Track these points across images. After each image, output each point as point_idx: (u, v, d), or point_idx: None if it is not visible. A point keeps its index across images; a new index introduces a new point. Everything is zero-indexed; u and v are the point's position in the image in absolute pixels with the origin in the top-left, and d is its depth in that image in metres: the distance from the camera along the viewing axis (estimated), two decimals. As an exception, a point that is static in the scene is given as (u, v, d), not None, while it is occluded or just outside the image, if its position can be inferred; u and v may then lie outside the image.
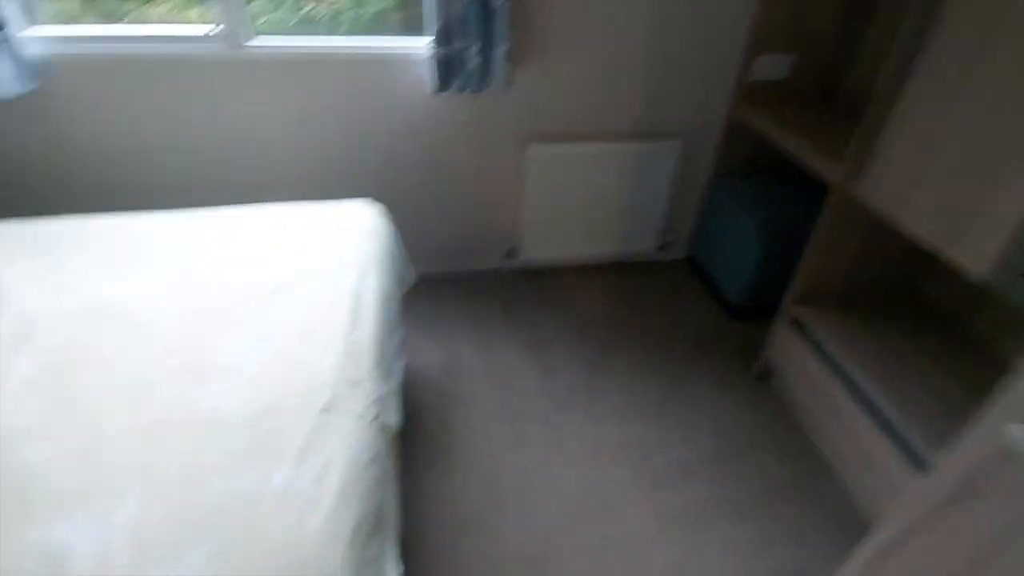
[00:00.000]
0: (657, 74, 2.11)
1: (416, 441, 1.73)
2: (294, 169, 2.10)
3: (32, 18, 1.75)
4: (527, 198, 2.28)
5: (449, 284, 2.41)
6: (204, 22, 1.84)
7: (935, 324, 1.77)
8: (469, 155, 2.19)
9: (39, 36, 1.74)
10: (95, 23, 1.89)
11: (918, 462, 1.39)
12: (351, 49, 1.91)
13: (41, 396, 1.01)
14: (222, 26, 1.80)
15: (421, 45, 1.90)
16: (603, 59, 2.04)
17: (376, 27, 2.02)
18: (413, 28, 1.93)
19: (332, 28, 2.00)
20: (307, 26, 1.96)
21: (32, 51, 1.73)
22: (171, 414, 1.00)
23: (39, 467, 0.90)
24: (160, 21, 1.93)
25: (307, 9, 1.95)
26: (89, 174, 1.98)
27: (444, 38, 1.81)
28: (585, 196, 2.30)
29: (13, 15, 1.66)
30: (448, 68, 1.88)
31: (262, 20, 1.89)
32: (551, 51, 2.00)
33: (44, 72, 1.77)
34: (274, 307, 1.25)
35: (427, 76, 1.91)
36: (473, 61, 1.85)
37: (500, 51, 1.85)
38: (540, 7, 1.89)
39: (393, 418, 1.14)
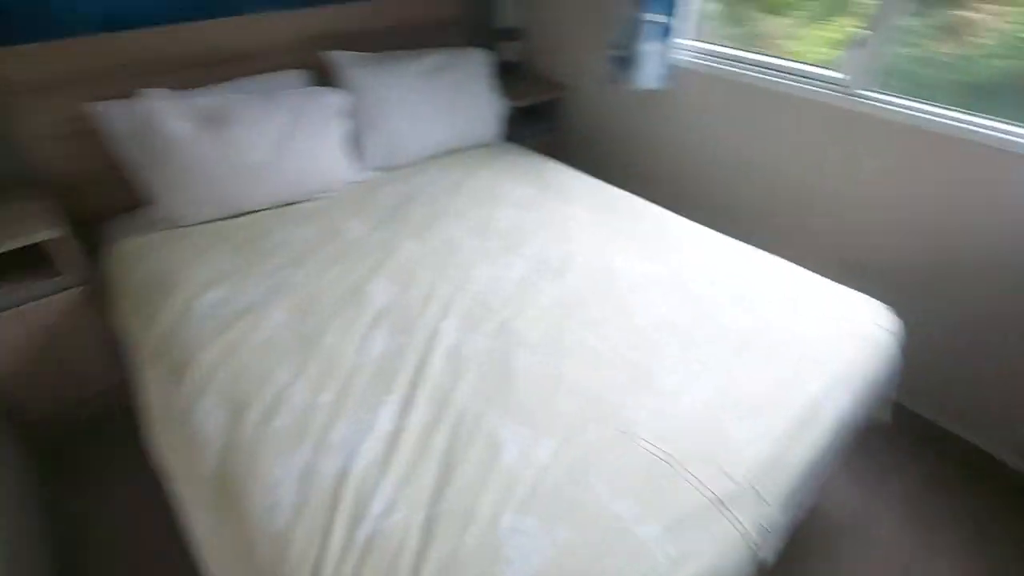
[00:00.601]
0: None
1: None
2: (836, 237, 1.91)
3: (683, 31, 2.09)
4: None
5: (937, 448, 1.83)
6: (832, 45, 1.79)
7: None
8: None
9: (684, 46, 2.09)
10: (728, 29, 2.09)
11: None
12: (964, 126, 1.53)
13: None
14: (846, 75, 1.72)
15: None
16: None
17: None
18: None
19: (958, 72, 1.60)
20: (932, 69, 1.64)
21: (676, 57, 2.09)
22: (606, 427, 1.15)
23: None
24: (778, 35, 1.98)
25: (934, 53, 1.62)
26: (682, 173, 2.30)
27: None
28: None
29: (677, 26, 2.02)
30: None
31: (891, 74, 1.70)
32: None
33: (677, 76, 2.12)
34: (737, 357, 1.24)
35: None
36: None
37: None
38: None
39: (769, 555, 1.00)
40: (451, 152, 2.15)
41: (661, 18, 1.97)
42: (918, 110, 1.61)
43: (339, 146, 1.86)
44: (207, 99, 1.67)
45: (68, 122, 1.63)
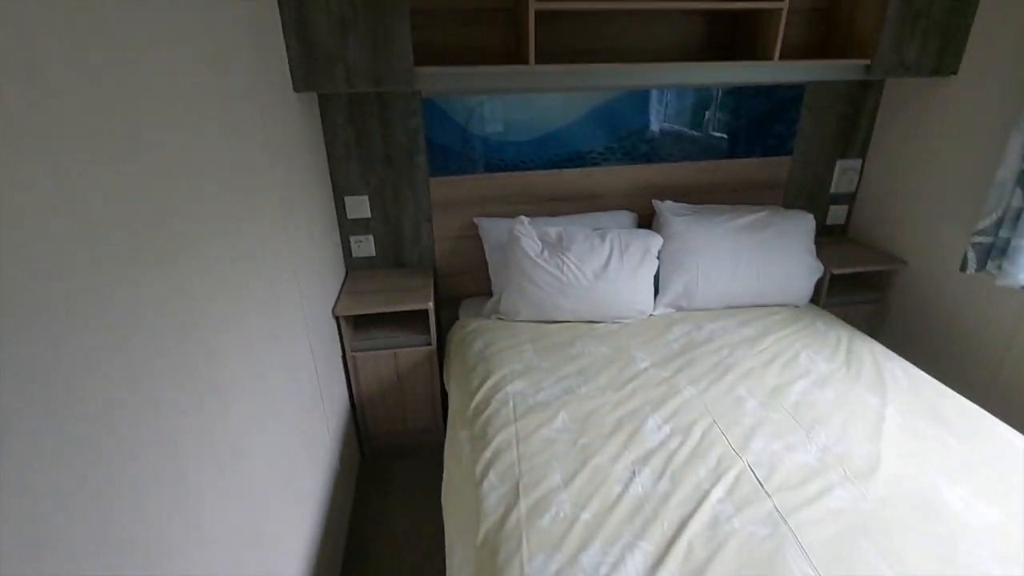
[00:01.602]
0: None
1: None
2: None
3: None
4: None
5: None
6: None
7: None
8: None
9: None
10: None
11: None
12: None
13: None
14: None
15: None
16: None
17: None
18: None
19: None
20: None
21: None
22: None
23: None
24: None
25: None
26: (1011, 375, 1.89)
27: None
28: None
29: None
30: None
31: None
32: None
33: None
34: None
35: None
36: None
37: None
38: None
39: None
40: (753, 307, 2.16)
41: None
42: None
43: (648, 281, 2.07)
44: (556, 227, 2.10)
45: (460, 229, 2.26)
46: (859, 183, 2.51)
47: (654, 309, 2.12)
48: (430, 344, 2.07)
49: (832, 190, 2.51)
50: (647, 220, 2.31)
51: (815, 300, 2.25)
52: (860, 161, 2.48)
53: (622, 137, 2.27)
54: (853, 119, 2.40)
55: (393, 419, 2.18)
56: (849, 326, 2.02)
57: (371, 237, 2.24)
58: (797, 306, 2.17)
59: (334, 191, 2.13)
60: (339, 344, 1.99)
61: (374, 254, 2.27)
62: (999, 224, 1.78)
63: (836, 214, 2.56)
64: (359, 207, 2.17)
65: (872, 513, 1.22)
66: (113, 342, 0.67)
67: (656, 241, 2.09)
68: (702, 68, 2.07)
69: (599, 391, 1.65)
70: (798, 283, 2.14)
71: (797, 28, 2.14)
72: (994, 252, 1.80)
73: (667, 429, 1.49)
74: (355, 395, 2.10)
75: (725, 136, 2.35)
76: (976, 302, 2.03)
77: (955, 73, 2.04)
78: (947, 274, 2.13)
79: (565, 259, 1.99)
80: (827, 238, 2.53)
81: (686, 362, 1.79)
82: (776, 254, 2.11)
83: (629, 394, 1.64)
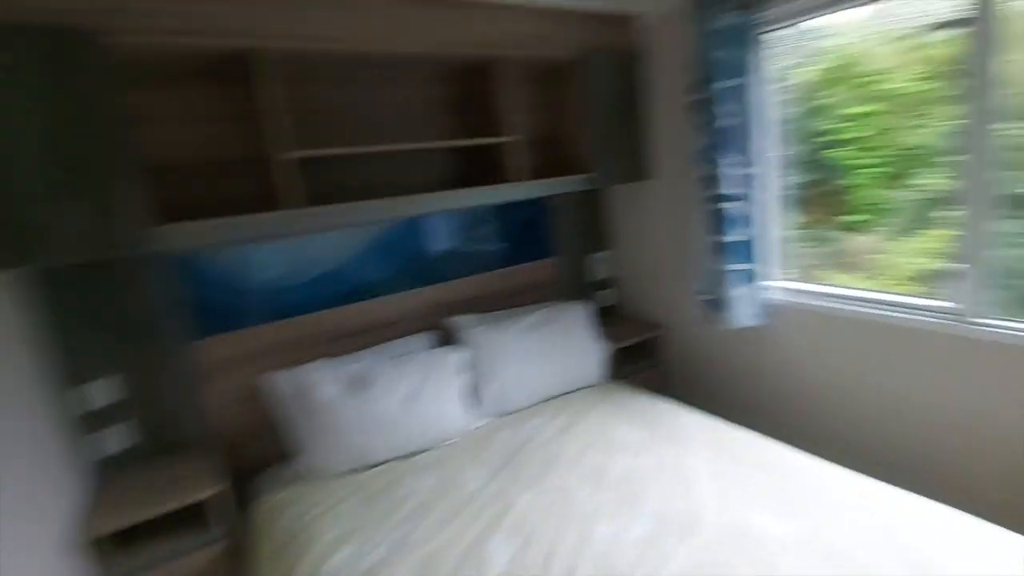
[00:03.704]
0: None
1: None
2: (983, 472, 1.73)
3: (772, 273, 2.25)
4: None
5: None
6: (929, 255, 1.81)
7: None
8: None
9: (774, 286, 2.23)
10: (816, 249, 2.20)
11: None
12: None
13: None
14: (954, 304, 1.73)
15: None
16: None
17: None
18: None
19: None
20: None
21: (767, 296, 2.21)
22: None
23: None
24: (864, 251, 2.04)
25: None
26: (789, 404, 2.28)
27: None
28: None
29: (762, 271, 2.19)
30: None
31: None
32: None
33: (771, 313, 2.22)
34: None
35: None
36: None
37: None
38: None
39: None
40: (561, 395, 2.28)
41: (743, 266, 2.16)
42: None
43: (459, 397, 2.05)
44: (351, 365, 1.98)
45: (242, 391, 1.98)
46: (617, 269, 2.95)
47: (475, 422, 2.09)
48: (221, 540, 1.69)
49: (596, 279, 2.90)
50: (447, 338, 2.34)
51: (613, 375, 2.48)
52: (611, 252, 2.93)
53: (407, 262, 2.33)
54: (595, 220, 2.88)
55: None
56: (644, 391, 2.26)
57: (126, 424, 1.82)
58: (595, 385, 2.36)
59: (68, 379, 1.72)
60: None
61: (135, 443, 1.84)
62: (712, 282, 2.23)
63: (607, 297, 2.94)
64: (104, 392, 1.77)
65: (709, 562, 1.30)
66: None
67: (458, 357, 2.12)
68: (458, 195, 2.23)
69: (435, 530, 1.51)
70: (590, 365, 2.35)
71: (535, 154, 2.53)
72: (717, 304, 2.23)
73: (512, 546, 1.42)
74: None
75: (499, 248, 2.58)
76: (726, 343, 2.46)
77: (652, 177, 2.62)
78: (697, 328, 2.56)
79: (368, 395, 1.87)
80: (607, 319, 2.87)
81: (514, 470, 1.77)
82: (565, 344, 2.30)
83: (467, 522, 1.53)
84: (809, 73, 2.07)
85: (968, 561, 1.23)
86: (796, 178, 2.17)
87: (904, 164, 1.83)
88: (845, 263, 2.09)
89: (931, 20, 1.72)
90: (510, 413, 2.17)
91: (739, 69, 2.05)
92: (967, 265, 1.68)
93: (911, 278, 1.92)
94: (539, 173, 2.45)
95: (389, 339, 2.22)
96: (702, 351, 2.59)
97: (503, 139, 2.20)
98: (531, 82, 2.52)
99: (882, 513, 1.41)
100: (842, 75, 1.98)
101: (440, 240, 2.43)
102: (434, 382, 1.99)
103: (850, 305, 2.00)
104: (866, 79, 1.91)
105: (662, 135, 2.55)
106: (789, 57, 2.10)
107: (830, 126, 2.03)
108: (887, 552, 1.27)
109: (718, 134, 2.09)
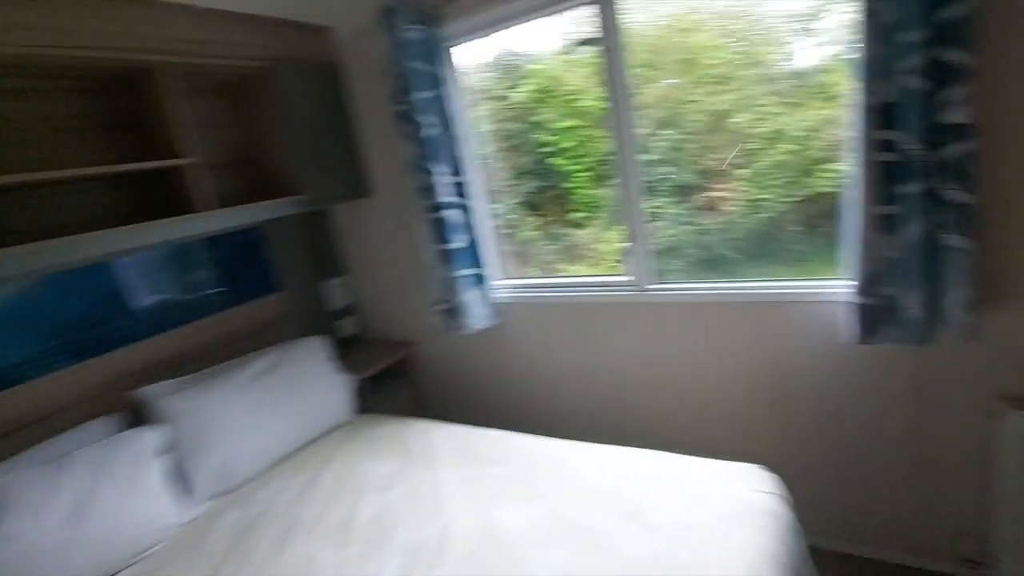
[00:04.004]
0: None
1: None
2: (685, 414, 2.05)
3: (500, 273, 2.36)
4: (1004, 488, 1.57)
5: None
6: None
7: None
8: (900, 419, 1.70)
9: (501, 285, 2.33)
10: (548, 245, 2.37)
11: None
12: (749, 291, 1.84)
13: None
14: (632, 277, 2.02)
15: (834, 287, 1.67)
16: None
17: (772, 235, 1.87)
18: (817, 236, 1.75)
19: (725, 240, 1.94)
20: (704, 240, 1.97)
21: (497, 296, 2.31)
22: None
23: None
24: (588, 242, 2.29)
25: (703, 225, 1.96)
26: (530, 394, 2.39)
27: (870, 285, 1.53)
28: None
29: (491, 273, 2.28)
30: (875, 316, 1.56)
31: (669, 264, 2.02)
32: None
33: (501, 312, 2.32)
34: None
35: (843, 322, 1.63)
36: (912, 309, 1.48)
37: (957, 297, 1.43)
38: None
39: None
40: (305, 446, 2.00)
41: (471, 271, 2.21)
42: (700, 289, 1.92)
43: (159, 489, 1.62)
44: (-22, 487, 1.40)
45: None
46: (356, 293, 2.77)
47: (189, 513, 1.68)
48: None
49: (334, 307, 2.68)
50: (137, 417, 1.82)
51: (364, 407, 2.29)
52: (347, 276, 2.74)
53: (67, 330, 1.79)
54: (322, 245, 2.65)
55: None
56: (397, 417, 2.13)
57: None
58: (343, 424, 2.14)
59: None
60: None
61: None
62: (444, 291, 2.23)
63: (349, 325, 2.74)
64: None
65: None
66: None
67: (151, 437, 1.68)
68: (130, 232, 1.77)
69: None
70: (335, 403, 2.12)
71: (231, 178, 2.19)
72: (453, 312, 2.24)
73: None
74: None
75: (209, 291, 2.17)
76: (468, 349, 2.49)
77: (374, 193, 2.51)
78: (440, 339, 2.54)
79: (6, 530, 1.34)
80: (352, 348, 2.67)
81: (242, 555, 1.46)
82: (301, 386, 2.04)
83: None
84: (524, 93, 2.22)
85: (679, 494, 1.41)
86: (528, 184, 2.31)
87: (603, 167, 2.09)
88: (575, 255, 2.31)
89: (576, 38, 1.99)
90: (237, 488, 1.79)
91: (433, 81, 2.08)
92: (633, 243, 1.99)
93: (618, 261, 2.20)
94: (242, 199, 2.14)
95: (43, 440, 1.63)
96: (448, 362, 2.60)
97: (177, 161, 1.83)
98: (211, 95, 2.17)
99: (612, 473, 1.54)
100: (549, 95, 2.18)
101: (119, 292, 1.94)
102: (113, 480, 1.52)
103: (562, 292, 2.20)
104: (566, 98, 2.14)
105: (377, 149, 2.46)
106: (493, 72, 2.23)
107: (548, 138, 2.21)
108: (615, 510, 1.38)
109: (426, 144, 2.08)
